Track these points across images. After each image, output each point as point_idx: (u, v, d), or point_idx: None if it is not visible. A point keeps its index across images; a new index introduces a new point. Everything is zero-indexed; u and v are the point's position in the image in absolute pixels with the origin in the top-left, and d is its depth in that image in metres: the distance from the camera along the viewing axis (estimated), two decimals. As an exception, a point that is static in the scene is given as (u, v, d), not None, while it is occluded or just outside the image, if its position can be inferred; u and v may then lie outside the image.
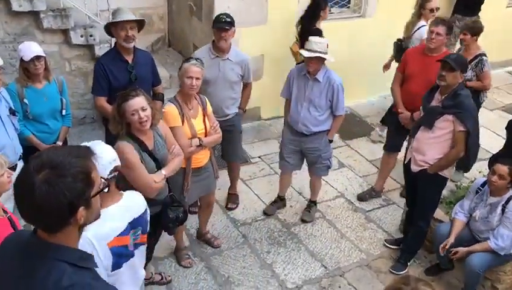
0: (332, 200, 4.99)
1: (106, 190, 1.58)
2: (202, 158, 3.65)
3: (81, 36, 5.10)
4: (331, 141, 4.39)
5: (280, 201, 4.77)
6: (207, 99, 3.69)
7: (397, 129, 4.68)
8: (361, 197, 5.02)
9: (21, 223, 2.58)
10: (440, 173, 3.75)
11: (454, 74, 3.51)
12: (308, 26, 5.21)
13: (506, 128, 4.58)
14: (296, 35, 5.43)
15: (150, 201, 3.11)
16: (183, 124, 3.44)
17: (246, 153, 5.58)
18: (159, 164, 3.12)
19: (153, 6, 6.26)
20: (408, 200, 4.22)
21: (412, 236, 4.05)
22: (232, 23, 4.11)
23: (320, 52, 3.93)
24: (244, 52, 4.47)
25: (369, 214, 4.82)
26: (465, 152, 3.62)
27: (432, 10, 5.39)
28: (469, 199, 3.78)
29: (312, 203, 4.74)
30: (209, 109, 3.68)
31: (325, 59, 4.01)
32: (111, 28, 3.74)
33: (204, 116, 3.60)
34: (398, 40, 5.77)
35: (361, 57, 6.54)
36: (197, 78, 3.42)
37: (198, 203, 4.16)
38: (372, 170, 5.50)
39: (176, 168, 3.25)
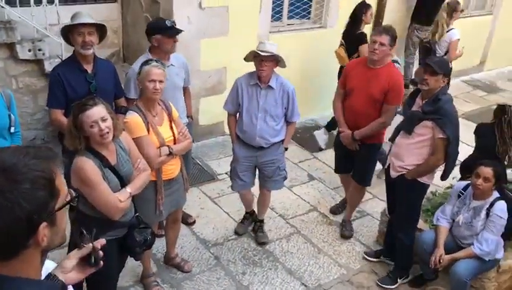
0: (306, 214, 4.77)
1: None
2: (173, 169, 3.34)
3: (29, 50, 4.69)
4: (286, 149, 4.16)
5: (250, 216, 4.48)
6: (171, 104, 3.40)
7: (342, 151, 4.28)
8: (333, 211, 4.82)
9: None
10: (419, 180, 3.60)
11: (436, 77, 3.37)
12: (352, 30, 5.53)
13: (474, 132, 4.55)
14: (341, 39, 5.70)
15: (114, 223, 2.80)
16: (148, 132, 3.12)
17: (212, 170, 5.30)
18: (123, 181, 2.79)
19: (105, 20, 5.89)
20: (389, 207, 4.05)
21: (397, 251, 3.88)
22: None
23: (274, 53, 3.71)
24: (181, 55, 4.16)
25: (344, 227, 4.63)
26: (445, 160, 3.49)
27: (462, 11, 6.15)
28: (451, 204, 3.66)
29: (261, 223, 4.40)
30: (175, 113, 3.39)
31: (277, 64, 3.76)
32: (68, 34, 3.40)
33: (170, 122, 3.30)
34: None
35: (324, 68, 6.45)
36: (160, 81, 3.12)
37: (164, 223, 3.83)
38: (343, 181, 5.35)
39: (143, 185, 2.92)
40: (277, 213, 4.74)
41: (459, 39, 6.09)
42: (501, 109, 4.49)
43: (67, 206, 1.24)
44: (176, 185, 3.41)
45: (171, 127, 3.28)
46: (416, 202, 3.75)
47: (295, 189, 5.16)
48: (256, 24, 5.69)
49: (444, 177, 3.66)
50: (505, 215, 3.38)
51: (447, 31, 5.92)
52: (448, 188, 4.45)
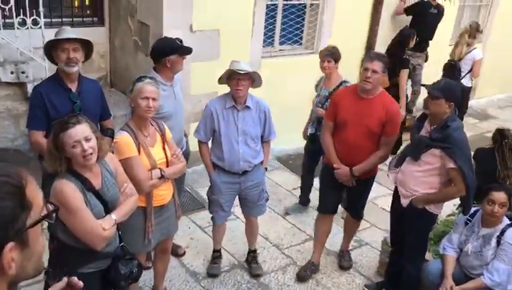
0: (302, 244, 4.53)
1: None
2: (165, 194, 3.10)
3: (12, 73, 4.49)
4: (266, 170, 3.96)
5: (221, 255, 4.12)
6: (164, 124, 3.20)
7: (331, 187, 3.89)
8: (301, 278, 4.03)
9: None
10: (428, 209, 3.37)
11: (437, 102, 3.16)
12: (399, 54, 5.87)
13: (473, 157, 4.39)
14: None
15: (96, 254, 2.55)
16: (139, 153, 2.90)
17: (201, 198, 5.06)
18: (108, 207, 2.56)
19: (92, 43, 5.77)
20: (392, 237, 3.83)
21: (403, 283, 3.63)
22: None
23: (252, 70, 3.55)
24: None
25: (343, 257, 4.38)
26: (466, 191, 3.24)
27: (478, 31, 6.55)
28: (457, 232, 3.45)
29: (255, 253, 4.12)
30: (169, 135, 3.18)
31: (252, 83, 3.56)
32: (51, 51, 3.20)
33: (163, 143, 3.09)
34: (451, 60, 6.45)
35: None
36: (154, 99, 2.93)
37: (152, 254, 3.56)
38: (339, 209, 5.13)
39: (129, 212, 2.68)
40: (271, 243, 4.49)
41: (482, 58, 6.60)
42: (500, 133, 4.37)
43: (45, 225, 1.01)
44: (168, 212, 3.18)
45: (164, 149, 3.07)
46: (425, 231, 3.53)
47: (290, 218, 4.93)
48: (247, 49, 5.58)
49: (466, 211, 3.42)
50: None
51: (470, 51, 6.43)
52: (450, 215, 4.26)
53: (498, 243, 3.21)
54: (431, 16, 6.76)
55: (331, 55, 4.45)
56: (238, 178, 3.73)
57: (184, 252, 4.20)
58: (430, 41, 6.97)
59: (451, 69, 6.44)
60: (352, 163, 3.66)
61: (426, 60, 7.09)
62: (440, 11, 6.82)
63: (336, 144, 3.75)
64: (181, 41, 3.73)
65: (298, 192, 5.40)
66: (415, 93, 7.22)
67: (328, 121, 3.79)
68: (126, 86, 5.77)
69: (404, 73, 5.81)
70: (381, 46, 6.88)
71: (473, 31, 6.48)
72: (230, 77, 3.50)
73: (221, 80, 3.59)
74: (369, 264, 4.32)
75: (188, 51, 3.70)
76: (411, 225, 3.44)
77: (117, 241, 2.71)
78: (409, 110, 7.15)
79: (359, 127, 3.58)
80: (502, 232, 3.21)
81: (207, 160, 3.74)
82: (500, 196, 3.21)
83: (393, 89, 5.65)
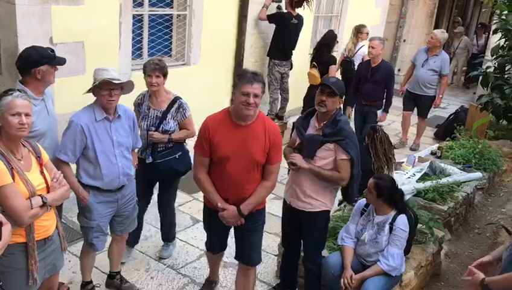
0: (197, 261, 4.32)
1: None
2: (49, 225, 2.68)
3: None
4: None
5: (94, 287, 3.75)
6: (38, 145, 2.79)
7: (217, 229, 3.45)
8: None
9: None
10: (324, 208, 3.45)
11: (334, 99, 3.28)
12: (326, 53, 6.89)
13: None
14: (314, 62, 6.92)
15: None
16: (14, 180, 2.46)
17: (78, 227, 4.55)
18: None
19: None
20: (285, 239, 3.82)
21: (306, 282, 3.66)
22: None
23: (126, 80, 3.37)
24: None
25: (240, 267, 4.29)
26: (350, 182, 3.39)
27: (367, 33, 7.72)
28: (354, 223, 3.59)
29: (120, 274, 3.84)
30: (46, 156, 2.77)
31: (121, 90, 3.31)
32: None
33: (41, 166, 2.67)
34: (346, 57, 7.70)
35: (190, 106, 6.17)
36: (27, 114, 2.54)
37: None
38: (228, 220, 5.05)
39: (61, 198, 2.73)
40: (165, 265, 4.21)
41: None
42: (373, 129, 4.75)
43: None
44: (52, 245, 2.76)
45: (42, 173, 2.65)
46: (325, 229, 3.61)
47: (180, 235, 4.68)
48: (116, 61, 5.22)
49: (349, 199, 3.58)
50: (407, 229, 3.41)
51: (358, 49, 7.66)
52: (336, 211, 4.44)
53: (391, 229, 3.40)
54: (292, 26, 7.09)
55: (160, 70, 3.87)
56: (115, 195, 3.42)
57: (68, 289, 3.71)
58: (293, 50, 7.30)
59: (348, 64, 7.67)
60: (238, 200, 3.19)
61: (291, 68, 7.42)
62: (300, 21, 7.20)
63: (215, 181, 3.22)
64: (53, 51, 3.34)
65: (184, 208, 5.20)
66: (285, 101, 7.51)
67: (203, 157, 3.18)
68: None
69: (333, 68, 6.95)
70: (250, 56, 7.05)
71: (356, 32, 7.73)
72: (102, 86, 3.19)
73: (89, 90, 3.27)
74: (267, 270, 4.28)
75: (61, 61, 3.34)
76: (310, 226, 3.49)
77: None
78: (279, 117, 7.44)
79: (243, 159, 3.12)
80: (394, 218, 3.41)
81: (75, 182, 3.29)
82: (370, 181, 3.44)
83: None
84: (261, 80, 3.08)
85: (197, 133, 3.40)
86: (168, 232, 4.37)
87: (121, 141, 3.35)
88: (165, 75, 3.92)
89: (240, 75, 3.10)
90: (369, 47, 6.48)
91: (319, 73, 6.81)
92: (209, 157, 3.17)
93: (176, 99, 3.98)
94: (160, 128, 3.89)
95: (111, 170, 3.31)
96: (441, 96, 7.46)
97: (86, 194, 3.31)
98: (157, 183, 4.24)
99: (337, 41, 7.51)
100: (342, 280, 3.36)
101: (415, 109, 7.76)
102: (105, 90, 3.18)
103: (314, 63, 6.94)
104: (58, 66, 3.38)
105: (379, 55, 6.40)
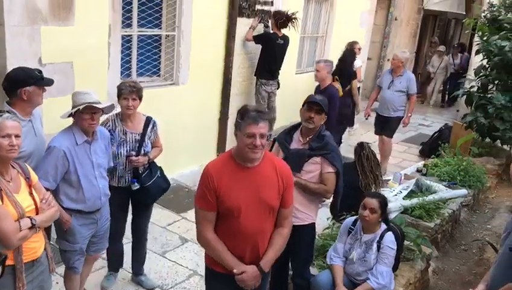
0: (187, 281, 4.30)
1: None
2: (37, 246, 2.66)
3: None
4: None
5: None
6: (27, 165, 2.78)
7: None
8: None
9: None
10: (309, 221, 3.51)
11: (321, 116, 3.40)
12: (348, 68, 7.33)
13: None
14: (335, 76, 6.89)
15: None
16: (2, 201, 2.45)
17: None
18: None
19: None
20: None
21: None
22: None
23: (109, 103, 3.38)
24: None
25: (230, 287, 4.27)
26: (334, 196, 3.48)
27: (359, 49, 8.26)
28: (342, 242, 3.62)
29: None
30: (35, 177, 2.76)
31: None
32: None
33: (30, 187, 2.66)
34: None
35: (179, 125, 6.24)
36: (17, 136, 2.54)
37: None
38: (217, 239, 5.04)
39: (50, 219, 2.74)
40: (154, 285, 4.17)
41: (361, 65, 8.71)
42: (360, 146, 4.80)
43: None
44: (40, 266, 2.73)
45: (31, 194, 2.64)
46: (313, 242, 3.67)
47: (169, 255, 4.66)
48: (105, 81, 5.24)
49: (333, 212, 3.64)
50: (395, 246, 3.45)
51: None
52: (326, 229, 4.47)
53: (379, 247, 3.44)
54: (278, 46, 7.20)
55: (137, 92, 3.71)
56: (95, 216, 3.41)
57: (56, 312, 3.66)
58: (279, 70, 7.40)
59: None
60: (254, 258, 2.72)
61: (278, 88, 7.51)
62: (286, 41, 7.31)
63: (224, 239, 2.70)
64: (40, 72, 3.35)
65: (173, 228, 5.19)
66: (272, 120, 7.57)
67: (208, 212, 2.67)
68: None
69: (355, 82, 7.54)
70: (237, 76, 7.12)
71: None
72: (84, 111, 3.18)
73: (69, 115, 3.27)
74: (256, 289, 4.28)
75: (49, 82, 3.35)
76: (299, 240, 3.51)
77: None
78: None
79: (257, 207, 2.67)
80: (381, 236, 3.46)
81: (58, 207, 3.13)
82: (371, 201, 3.45)
83: (348, 98, 7.32)
84: (267, 118, 2.67)
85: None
86: (142, 263, 4.18)
87: (100, 163, 3.37)
88: (140, 98, 3.76)
89: (242, 114, 2.62)
90: (315, 70, 6.35)
91: (343, 86, 7.11)
92: (215, 211, 2.67)
93: (149, 119, 3.88)
94: (142, 152, 3.79)
95: (93, 192, 3.31)
96: (410, 114, 7.20)
97: (69, 217, 3.28)
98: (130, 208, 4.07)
99: (356, 55, 7.95)
100: None
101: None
102: (87, 114, 3.19)
103: (336, 77, 7.02)
104: (46, 87, 3.39)
105: (326, 78, 6.23)
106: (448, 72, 12.74)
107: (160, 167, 4.05)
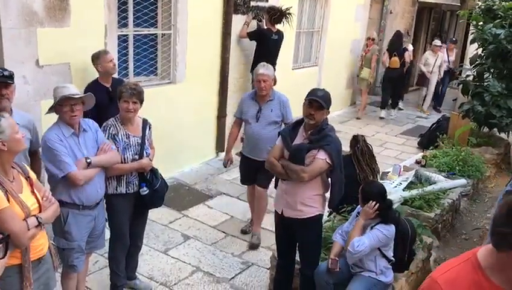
0: (190, 277, 4.32)
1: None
2: (43, 244, 2.67)
3: None
4: None
5: None
6: (25, 164, 2.80)
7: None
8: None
9: None
10: (317, 213, 3.53)
11: (322, 112, 3.38)
12: (399, 46, 10.32)
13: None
14: (389, 52, 10.27)
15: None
16: (9, 202, 2.45)
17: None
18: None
19: None
20: (280, 250, 3.85)
21: (301, 288, 3.69)
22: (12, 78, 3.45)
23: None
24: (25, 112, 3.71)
25: (233, 282, 4.29)
26: (331, 188, 3.49)
27: (373, 39, 10.13)
28: (349, 222, 3.72)
29: None
30: (33, 175, 2.77)
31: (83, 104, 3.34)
32: None
33: (31, 186, 2.67)
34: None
35: (178, 124, 6.26)
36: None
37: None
38: (219, 235, 5.06)
39: (55, 215, 2.76)
40: (158, 282, 4.19)
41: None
42: (355, 139, 4.79)
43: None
44: (45, 264, 2.74)
45: (33, 192, 2.66)
46: (321, 232, 3.70)
47: (171, 252, 4.68)
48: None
49: (330, 204, 3.64)
50: (386, 233, 3.45)
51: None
52: (327, 221, 4.49)
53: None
54: (273, 42, 7.20)
55: (138, 96, 3.59)
56: (92, 212, 3.40)
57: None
58: (275, 66, 7.40)
59: None
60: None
61: (275, 84, 7.49)
62: (280, 36, 7.32)
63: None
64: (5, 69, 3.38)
65: (175, 225, 5.20)
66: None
67: None
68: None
69: (407, 54, 10.40)
70: (234, 73, 7.13)
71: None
72: (63, 103, 3.20)
73: (51, 109, 3.29)
74: (259, 284, 4.30)
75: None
76: (306, 233, 3.54)
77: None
78: None
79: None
80: (377, 223, 3.50)
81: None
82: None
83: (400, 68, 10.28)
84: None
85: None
86: (136, 267, 4.12)
87: (91, 154, 3.34)
88: (141, 102, 3.64)
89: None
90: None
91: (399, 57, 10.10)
92: None
93: (145, 121, 3.80)
94: (145, 154, 3.69)
95: (91, 184, 3.31)
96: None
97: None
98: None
99: (408, 35, 11.06)
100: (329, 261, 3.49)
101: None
102: (66, 106, 3.19)
103: (391, 52, 10.19)
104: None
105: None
106: (441, 71, 11.08)
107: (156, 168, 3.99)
